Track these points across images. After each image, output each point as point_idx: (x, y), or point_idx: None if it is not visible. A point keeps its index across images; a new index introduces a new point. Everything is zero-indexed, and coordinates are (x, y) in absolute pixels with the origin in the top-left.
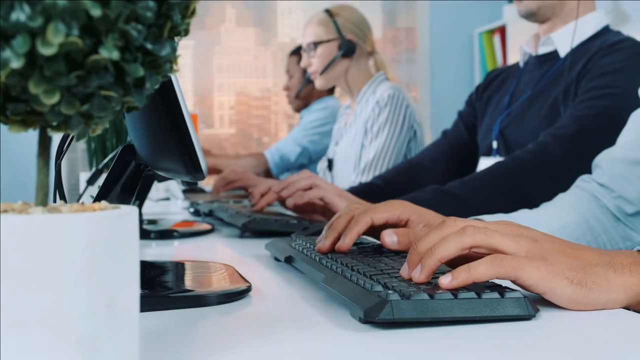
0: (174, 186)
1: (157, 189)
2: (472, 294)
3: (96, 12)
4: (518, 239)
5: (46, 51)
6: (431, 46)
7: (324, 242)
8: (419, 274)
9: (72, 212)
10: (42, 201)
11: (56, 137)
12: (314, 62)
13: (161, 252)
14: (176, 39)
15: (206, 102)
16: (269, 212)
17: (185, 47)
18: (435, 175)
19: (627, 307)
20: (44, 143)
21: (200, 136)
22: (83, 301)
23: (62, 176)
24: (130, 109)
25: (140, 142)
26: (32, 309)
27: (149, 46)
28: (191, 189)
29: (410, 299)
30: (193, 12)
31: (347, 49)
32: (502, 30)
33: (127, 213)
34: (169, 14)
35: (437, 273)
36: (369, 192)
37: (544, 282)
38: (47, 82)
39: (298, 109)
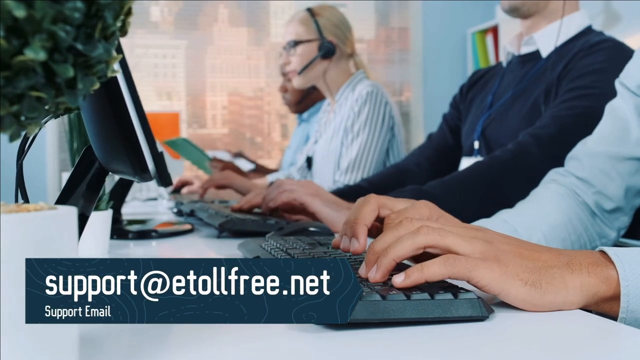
0: None
1: (149, 189)
2: (425, 295)
3: (20, 12)
4: (472, 240)
5: None
6: (424, 46)
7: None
8: (375, 274)
9: (4, 213)
10: None
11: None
12: (293, 60)
13: (137, 252)
14: (113, 39)
15: (199, 102)
16: (250, 212)
17: (177, 47)
18: (422, 179)
19: (585, 308)
20: None
21: (193, 136)
22: (14, 301)
23: (56, 176)
24: (67, 110)
25: (93, 143)
26: None
27: (79, 47)
28: (177, 189)
29: (361, 300)
30: (128, 13)
31: (327, 51)
32: (494, 30)
33: (63, 214)
34: (100, 15)
35: (395, 272)
36: (355, 194)
37: (497, 283)
38: None
39: (298, 111)
